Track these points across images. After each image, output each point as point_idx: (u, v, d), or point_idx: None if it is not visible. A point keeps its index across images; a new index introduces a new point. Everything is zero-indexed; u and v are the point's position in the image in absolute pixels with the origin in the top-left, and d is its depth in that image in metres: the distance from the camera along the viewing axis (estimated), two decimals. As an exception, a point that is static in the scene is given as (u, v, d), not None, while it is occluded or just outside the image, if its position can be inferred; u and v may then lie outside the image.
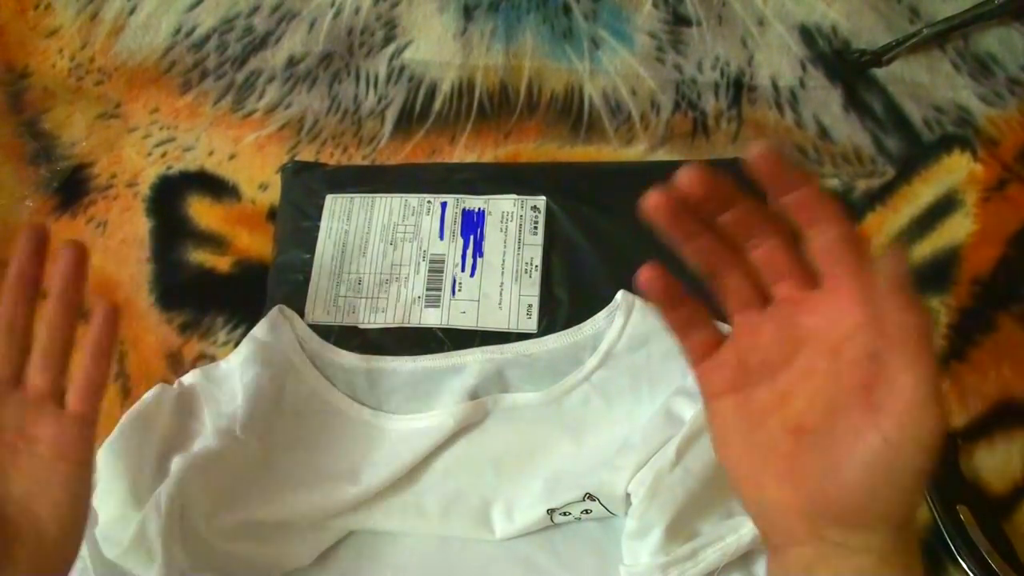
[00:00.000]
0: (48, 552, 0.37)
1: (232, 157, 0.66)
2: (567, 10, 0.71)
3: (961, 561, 0.50)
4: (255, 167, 0.66)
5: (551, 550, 0.50)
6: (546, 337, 0.55)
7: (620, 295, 0.55)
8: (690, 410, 0.49)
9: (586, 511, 0.50)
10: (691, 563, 0.46)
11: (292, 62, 0.70)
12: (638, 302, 0.54)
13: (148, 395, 0.54)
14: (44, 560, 0.37)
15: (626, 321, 0.54)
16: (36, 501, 0.37)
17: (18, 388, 0.39)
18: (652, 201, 0.33)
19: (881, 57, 0.67)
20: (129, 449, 0.50)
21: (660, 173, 0.57)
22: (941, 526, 0.51)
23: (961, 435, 0.54)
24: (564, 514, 0.50)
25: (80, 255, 0.39)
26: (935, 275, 0.59)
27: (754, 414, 0.33)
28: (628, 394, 0.53)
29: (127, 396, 0.60)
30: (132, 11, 0.73)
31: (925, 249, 0.60)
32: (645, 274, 0.34)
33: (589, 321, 0.55)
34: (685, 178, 0.33)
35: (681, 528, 0.47)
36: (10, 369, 0.39)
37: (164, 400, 0.53)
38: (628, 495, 0.48)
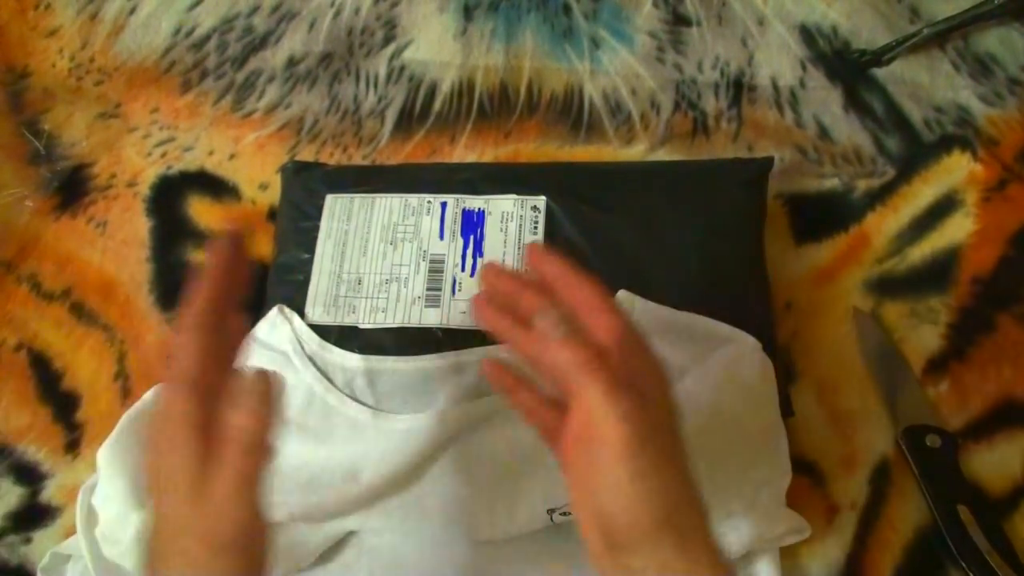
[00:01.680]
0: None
1: (232, 157, 0.66)
2: (567, 10, 0.71)
3: (961, 561, 0.50)
4: (255, 167, 0.66)
5: (551, 550, 0.50)
6: None
7: (620, 295, 0.55)
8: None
9: None
10: None
11: (292, 62, 0.70)
12: (639, 302, 0.54)
13: (148, 395, 0.54)
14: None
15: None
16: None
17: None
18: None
19: (881, 57, 0.67)
20: (129, 449, 0.50)
21: (660, 173, 0.58)
22: (941, 526, 0.51)
23: (961, 435, 0.54)
24: (564, 514, 0.50)
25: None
26: (935, 275, 0.59)
27: (574, 482, 0.37)
28: None
29: (127, 396, 0.60)
30: (132, 11, 0.73)
31: (925, 249, 0.60)
32: (487, 367, 0.41)
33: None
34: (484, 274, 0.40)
35: None
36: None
37: None
38: None
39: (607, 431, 0.33)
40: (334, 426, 0.53)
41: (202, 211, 0.64)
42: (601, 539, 0.34)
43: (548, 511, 0.49)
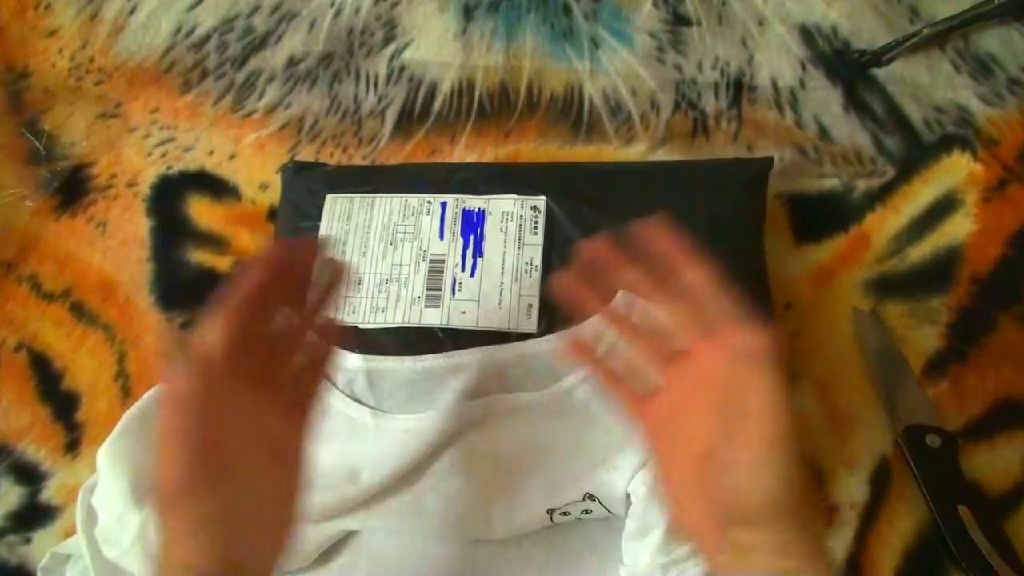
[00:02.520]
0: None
1: (232, 157, 0.66)
2: (567, 10, 0.71)
3: (961, 561, 0.50)
4: (255, 167, 0.66)
5: (551, 550, 0.50)
6: (546, 337, 0.55)
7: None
8: None
9: (586, 511, 0.50)
10: (691, 563, 0.46)
11: (292, 62, 0.70)
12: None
13: (148, 395, 0.54)
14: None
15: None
16: (272, 508, 0.38)
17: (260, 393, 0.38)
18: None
19: (881, 57, 0.67)
20: (129, 449, 0.50)
21: (660, 173, 0.58)
22: (941, 526, 0.51)
23: (961, 435, 0.54)
24: (564, 514, 0.50)
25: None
26: (935, 275, 0.59)
27: (676, 451, 0.39)
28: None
29: (127, 396, 0.60)
30: (132, 11, 0.73)
31: (925, 249, 0.60)
32: (567, 344, 0.44)
33: (589, 321, 0.55)
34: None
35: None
36: None
37: None
38: (628, 495, 0.48)
39: (768, 409, 0.34)
40: (335, 427, 0.53)
41: (202, 211, 0.64)
42: (715, 511, 0.35)
43: (548, 511, 0.49)
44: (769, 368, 0.35)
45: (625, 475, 0.48)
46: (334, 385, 0.54)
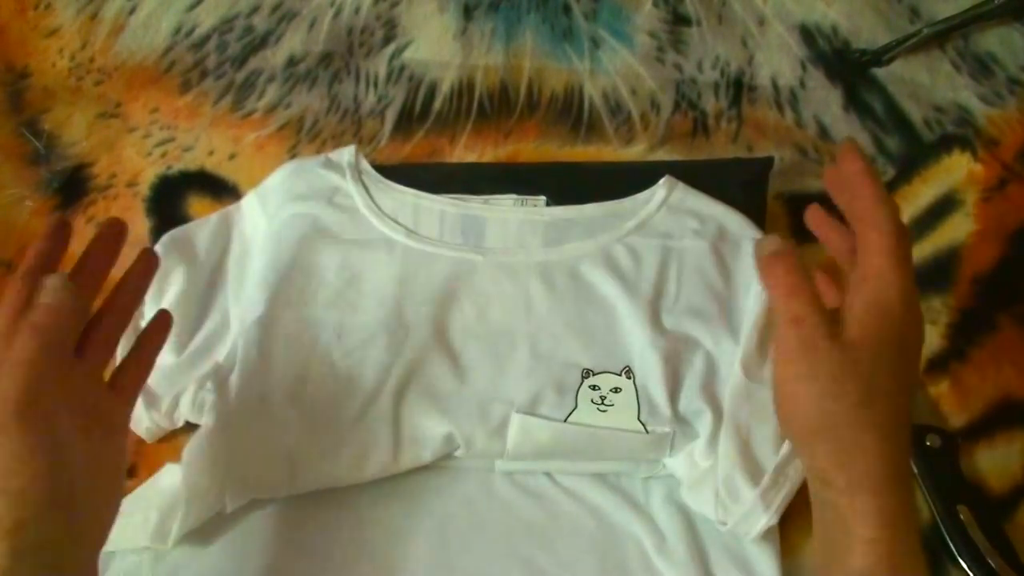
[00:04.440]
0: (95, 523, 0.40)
1: (232, 157, 0.66)
2: (567, 10, 0.71)
3: (961, 561, 0.50)
4: (255, 167, 0.65)
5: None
6: (585, 205, 0.57)
7: (663, 179, 0.57)
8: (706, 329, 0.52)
9: (616, 389, 0.51)
10: (781, 486, 0.48)
11: (292, 62, 0.70)
12: (680, 185, 0.57)
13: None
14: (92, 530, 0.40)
15: (667, 196, 0.57)
16: (94, 470, 0.39)
17: (81, 361, 0.40)
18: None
19: (881, 57, 0.67)
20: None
21: (660, 173, 0.58)
22: (941, 526, 0.51)
23: (961, 435, 0.54)
24: (593, 387, 0.51)
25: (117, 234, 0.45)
26: (935, 275, 0.59)
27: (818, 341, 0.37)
28: (656, 267, 0.54)
29: (127, 396, 0.60)
30: (132, 11, 0.73)
31: (925, 249, 0.60)
32: (810, 212, 0.46)
33: (629, 197, 0.57)
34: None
35: (752, 460, 0.48)
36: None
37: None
38: (674, 409, 0.50)
39: (778, 331, 0.37)
40: (369, 241, 0.56)
41: (202, 211, 0.64)
42: (786, 432, 0.39)
43: (584, 372, 0.52)
44: (885, 232, 0.37)
45: (658, 370, 0.50)
46: (377, 207, 0.58)
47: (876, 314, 0.36)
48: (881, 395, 0.36)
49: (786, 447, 0.48)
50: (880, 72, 0.67)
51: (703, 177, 0.58)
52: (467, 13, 0.71)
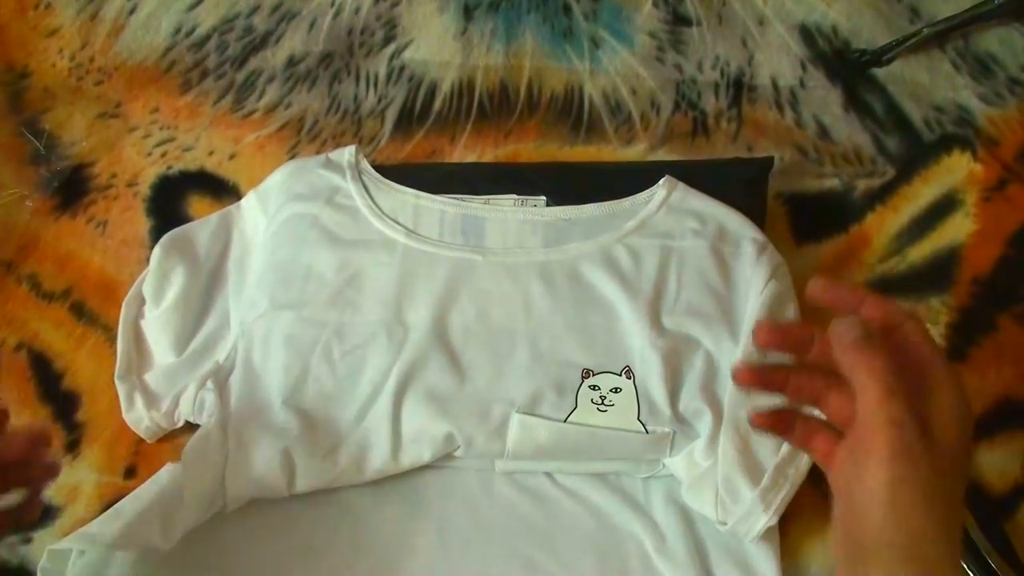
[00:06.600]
0: None
1: (232, 157, 0.66)
2: (567, 10, 0.71)
3: (961, 561, 0.50)
4: (255, 167, 0.65)
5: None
6: (585, 205, 0.57)
7: (663, 179, 0.57)
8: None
9: (616, 389, 0.51)
10: (780, 486, 0.47)
11: (292, 62, 0.70)
12: (680, 185, 0.57)
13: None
14: None
15: (667, 196, 0.57)
16: None
17: None
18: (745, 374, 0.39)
19: (881, 57, 0.67)
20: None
21: (660, 173, 0.58)
22: (941, 526, 0.51)
23: (961, 435, 0.54)
24: (593, 387, 0.50)
25: None
26: (935, 275, 0.59)
27: (845, 484, 0.36)
28: (656, 268, 0.54)
29: (127, 396, 0.60)
30: (132, 11, 0.73)
31: (925, 249, 0.60)
32: (755, 417, 0.39)
33: (629, 198, 0.57)
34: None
35: (752, 460, 0.48)
36: None
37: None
38: (674, 410, 0.50)
39: (875, 433, 0.34)
40: (369, 241, 0.56)
41: (202, 211, 0.64)
42: (846, 546, 0.35)
43: (583, 372, 0.51)
44: (878, 379, 0.34)
45: (658, 369, 0.50)
46: (378, 207, 0.57)
47: (958, 426, 0.35)
48: (958, 512, 0.35)
49: (786, 447, 0.48)
50: (880, 72, 0.67)
51: (703, 177, 0.58)
52: (467, 13, 0.71)
